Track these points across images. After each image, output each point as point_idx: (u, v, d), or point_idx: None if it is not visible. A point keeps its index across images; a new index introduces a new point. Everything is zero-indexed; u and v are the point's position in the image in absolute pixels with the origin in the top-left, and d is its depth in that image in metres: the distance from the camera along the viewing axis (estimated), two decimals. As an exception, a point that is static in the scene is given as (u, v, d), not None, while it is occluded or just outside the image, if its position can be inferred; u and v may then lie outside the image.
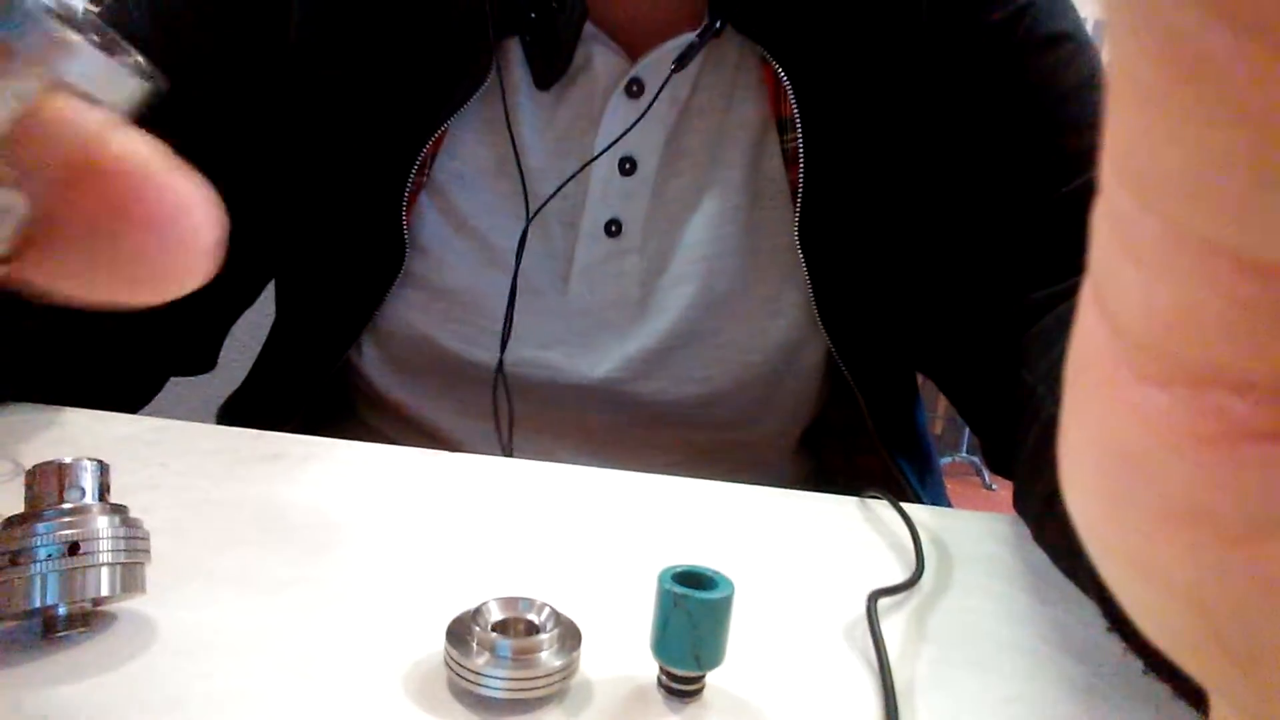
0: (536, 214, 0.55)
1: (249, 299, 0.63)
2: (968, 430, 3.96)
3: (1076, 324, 0.08)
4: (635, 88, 0.55)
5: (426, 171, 0.56)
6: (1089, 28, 0.58)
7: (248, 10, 0.54)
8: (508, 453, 0.59)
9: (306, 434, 0.61)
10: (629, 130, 0.54)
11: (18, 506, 0.28)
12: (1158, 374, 0.07)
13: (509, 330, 0.56)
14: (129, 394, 0.58)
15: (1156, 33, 0.06)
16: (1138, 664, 0.34)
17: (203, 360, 0.62)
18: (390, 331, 0.58)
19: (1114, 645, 0.36)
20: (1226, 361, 0.07)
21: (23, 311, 0.49)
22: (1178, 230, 0.07)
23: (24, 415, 0.47)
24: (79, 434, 0.46)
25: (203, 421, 0.64)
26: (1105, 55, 0.07)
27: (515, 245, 0.56)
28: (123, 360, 0.56)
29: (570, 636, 0.29)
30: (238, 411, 0.64)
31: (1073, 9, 0.57)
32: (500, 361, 0.57)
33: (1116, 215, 0.07)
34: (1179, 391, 0.07)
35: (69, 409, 0.48)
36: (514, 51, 0.55)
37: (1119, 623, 0.34)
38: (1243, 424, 0.07)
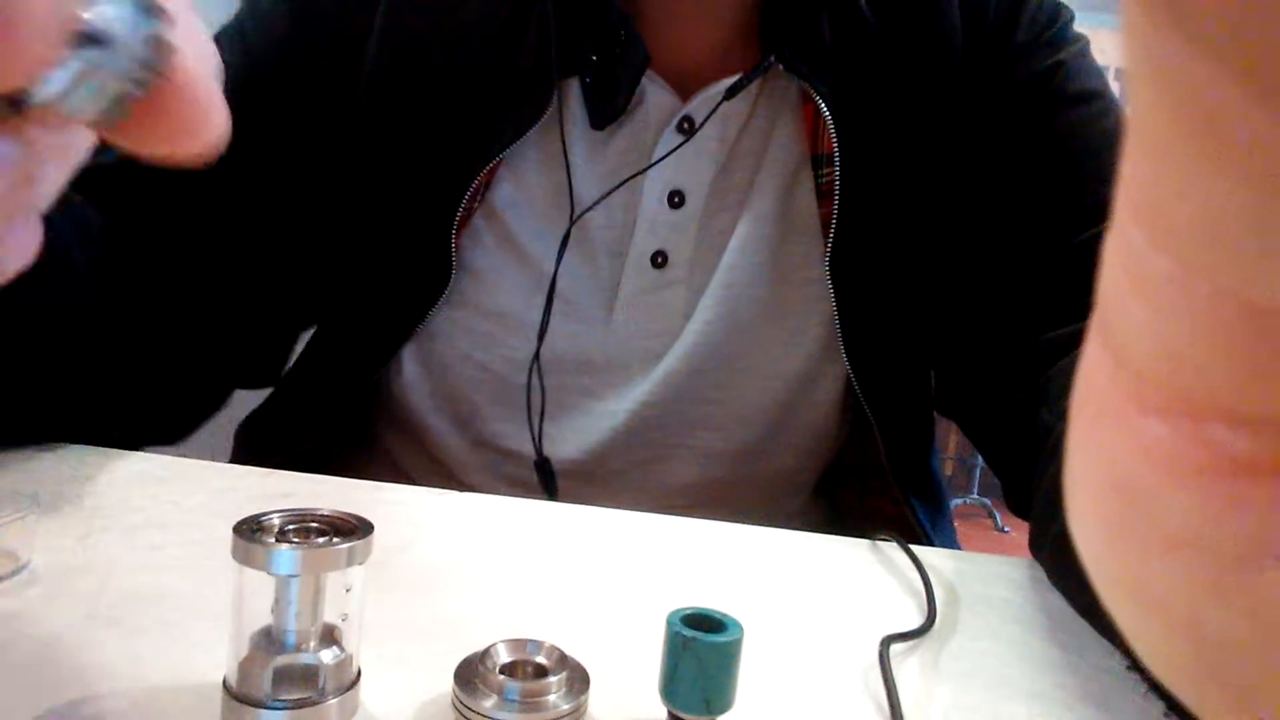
0: (580, 217, 0.57)
1: (311, 314, 0.66)
2: (978, 472, 3.92)
3: (1082, 355, 0.09)
4: (686, 125, 0.57)
5: (480, 197, 0.57)
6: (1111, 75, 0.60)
7: (331, 46, 0.57)
8: (540, 461, 0.59)
9: (321, 457, 0.62)
10: (671, 153, 0.56)
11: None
12: (1159, 406, 0.08)
13: (542, 341, 0.57)
14: (198, 404, 0.61)
15: (1170, 86, 0.07)
16: (1158, 706, 0.33)
17: (267, 373, 0.64)
18: (432, 349, 0.60)
19: (1132, 689, 0.35)
20: (1227, 396, 0.07)
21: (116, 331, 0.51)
22: (1186, 270, 0.07)
23: (39, 454, 0.47)
24: (93, 470, 0.46)
25: (219, 438, 0.65)
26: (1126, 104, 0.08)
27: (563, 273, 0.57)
28: (192, 371, 0.58)
29: (578, 679, 0.29)
30: (258, 428, 0.66)
31: (1102, 69, 0.59)
32: (528, 378, 0.57)
33: (1128, 250, 0.08)
34: (1179, 423, 0.07)
35: (83, 447, 0.49)
36: (572, 87, 0.57)
37: (1138, 663, 0.33)
38: (1240, 457, 0.07)
